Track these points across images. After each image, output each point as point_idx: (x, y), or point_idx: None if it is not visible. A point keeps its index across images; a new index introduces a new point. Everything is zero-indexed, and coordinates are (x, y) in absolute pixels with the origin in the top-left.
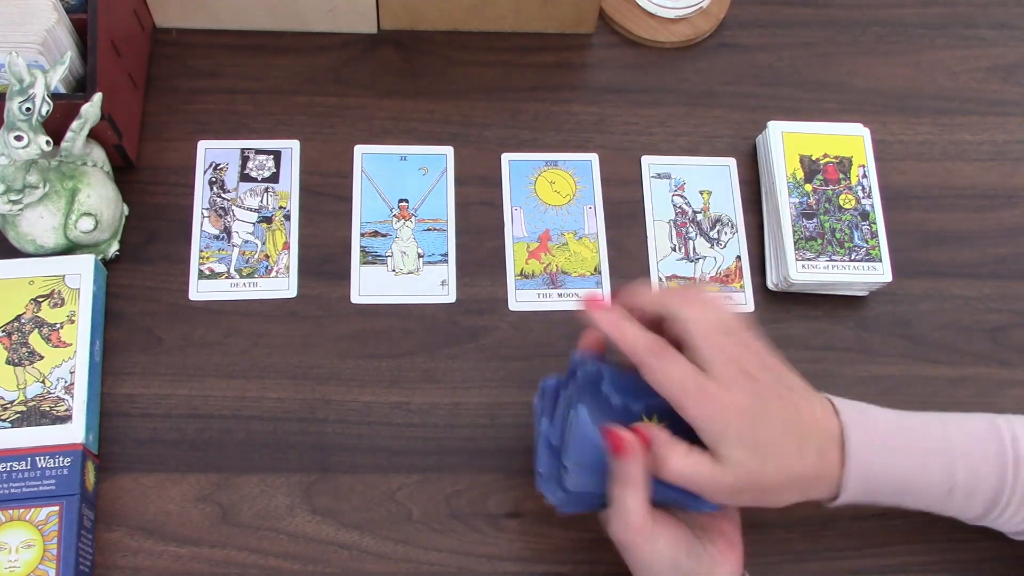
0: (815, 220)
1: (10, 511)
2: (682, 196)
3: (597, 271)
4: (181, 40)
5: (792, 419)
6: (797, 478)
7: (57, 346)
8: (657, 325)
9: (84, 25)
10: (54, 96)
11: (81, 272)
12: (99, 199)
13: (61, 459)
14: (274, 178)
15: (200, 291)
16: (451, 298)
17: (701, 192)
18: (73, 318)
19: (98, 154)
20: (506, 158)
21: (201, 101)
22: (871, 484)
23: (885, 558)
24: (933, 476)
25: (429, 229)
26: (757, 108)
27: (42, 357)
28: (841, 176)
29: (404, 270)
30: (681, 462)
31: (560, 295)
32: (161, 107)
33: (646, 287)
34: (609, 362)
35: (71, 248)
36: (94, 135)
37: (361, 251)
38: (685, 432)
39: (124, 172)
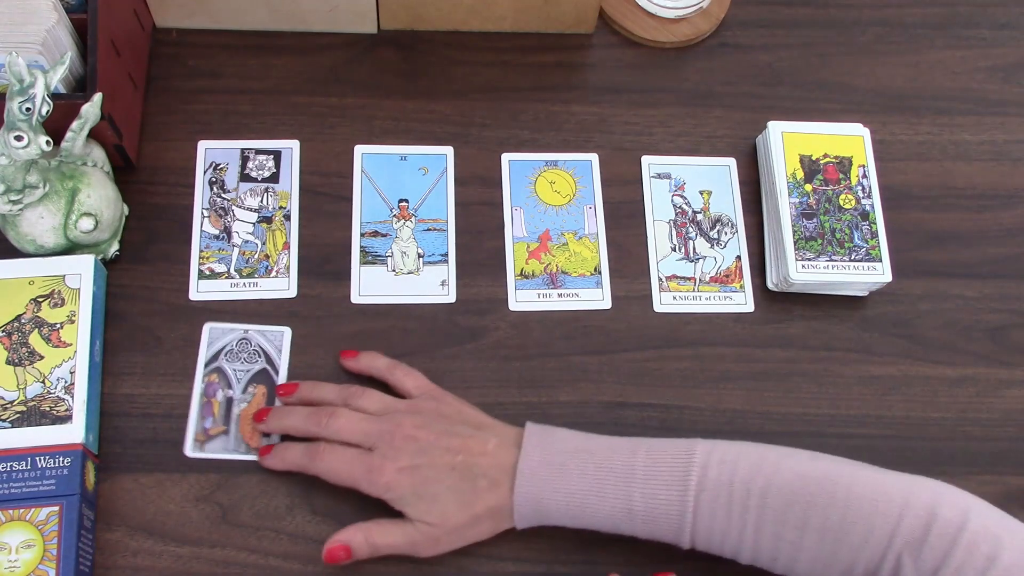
0: (815, 220)
1: (10, 511)
2: (682, 196)
3: (597, 271)
4: (181, 40)
5: (461, 463)
6: (480, 514)
7: (57, 346)
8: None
9: (84, 25)
10: (54, 96)
11: (81, 272)
12: (99, 199)
13: (61, 459)
14: (274, 178)
15: (200, 291)
16: (451, 298)
17: (701, 192)
18: (73, 318)
19: (98, 154)
20: (506, 158)
21: (201, 101)
22: (542, 507)
23: None
24: (607, 498)
25: (429, 229)
26: (757, 108)
27: (42, 357)
28: (841, 176)
29: (404, 270)
30: (382, 538)
31: (560, 295)
32: (161, 107)
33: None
34: None
35: (71, 248)
36: (94, 135)
37: (361, 251)
38: None
39: (124, 172)
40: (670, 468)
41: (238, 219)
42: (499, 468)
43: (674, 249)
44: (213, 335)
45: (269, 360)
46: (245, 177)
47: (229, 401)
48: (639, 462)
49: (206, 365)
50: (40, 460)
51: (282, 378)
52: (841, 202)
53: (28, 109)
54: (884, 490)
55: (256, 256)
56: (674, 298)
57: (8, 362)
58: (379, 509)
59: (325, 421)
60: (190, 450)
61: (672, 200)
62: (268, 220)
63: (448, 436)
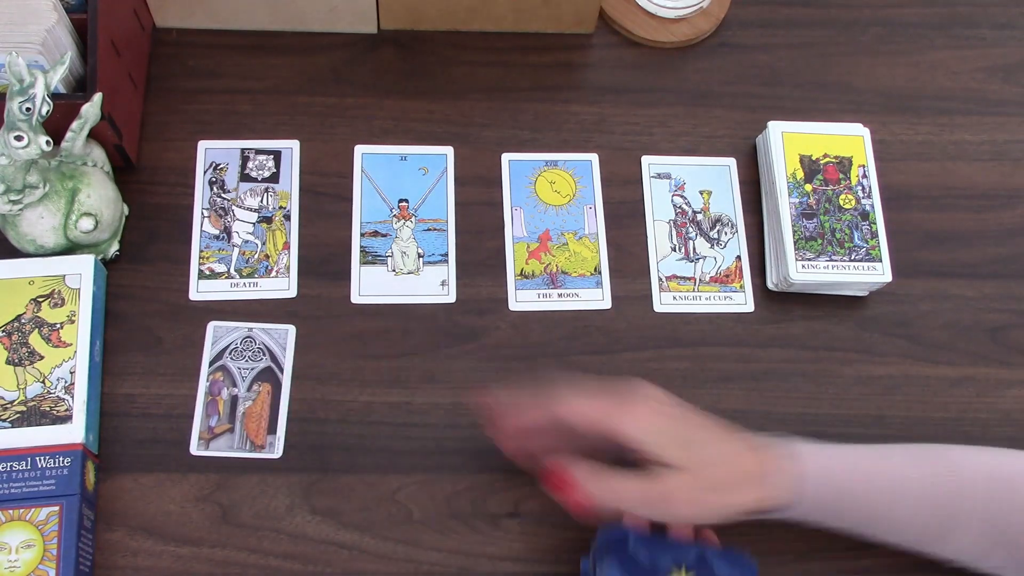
0: (815, 220)
1: (10, 511)
2: (682, 196)
3: (597, 271)
4: (181, 40)
5: (722, 426)
6: (750, 473)
7: (57, 346)
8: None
9: (84, 25)
10: (54, 96)
11: (81, 272)
12: (99, 199)
13: (61, 459)
14: (274, 178)
15: (200, 291)
16: (451, 298)
17: (701, 192)
18: (73, 318)
19: (98, 154)
20: (506, 158)
21: (201, 101)
22: (832, 468)
23: (885, 558)
24: (893, 460)
25: (429, 229)
26: (757, 108)
27: (42, 357)
28: (841, 176)
29: (404, 270)
30: (623, 488)
31: (560, 295)
32: (161, 107)
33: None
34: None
35: (71, 248)
36: (94, 135)
37: (361, 251)
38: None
39: (124, 172)
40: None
41: (238, 219)
42: (772, 441)
43: (674, 249)
44: (217, 333)
45: (273, 358)
46: (245, 177)
47: (234, 399)
48: (896, 449)
49: (210, 363)
50: (40, 460)
51: (287, 377)
52: (841, 202)
53: (28, 109)
54: None
55: (256, 256)
56: (674, 298)
57: (8, 362)
58: (381, 512)
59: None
60: (195, 448)
61: (672, 200)
62: (268, 220)
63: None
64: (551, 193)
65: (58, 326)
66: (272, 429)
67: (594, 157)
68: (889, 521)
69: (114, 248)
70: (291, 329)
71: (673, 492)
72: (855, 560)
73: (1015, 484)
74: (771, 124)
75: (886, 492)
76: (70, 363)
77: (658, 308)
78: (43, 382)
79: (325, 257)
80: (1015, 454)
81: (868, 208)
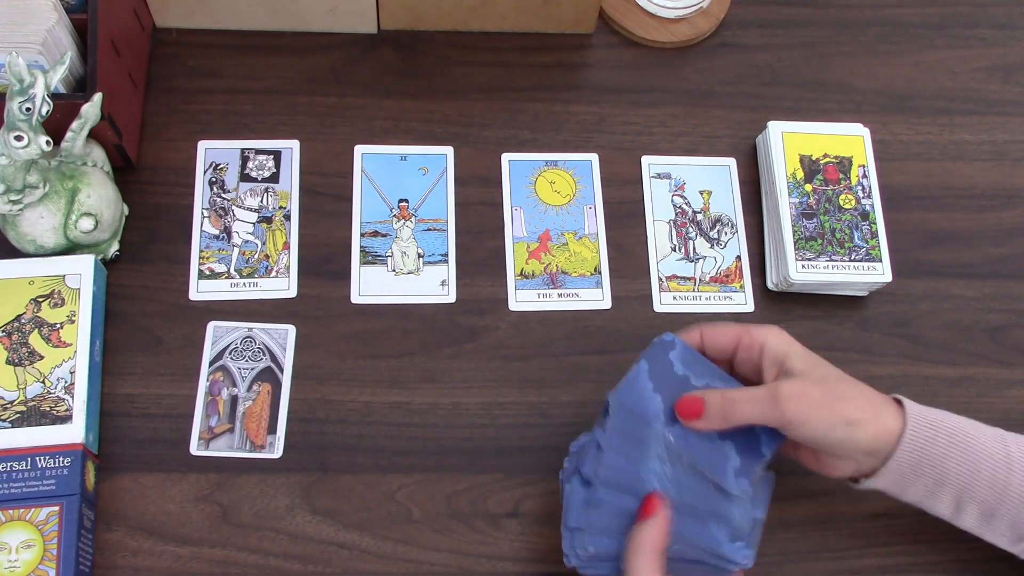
0: (815, 220)
1: (10, 511)
2: (682, 196)
3: (597, 271)
4: (181, 40)
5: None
6: (864, 396)
7: (57, 346)
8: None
9: (84, 25)
10: (54, 96)
11: (81, 272)
12: (99, 199)
13: (61, 459)
14: (274, 178)
15: (200, 291)
16: (451, 298)
17: (701, 192)
18: (73, 318)
19: (98, 154)
20: (506, 158)
21: (201, 101)
22: (932, 417)
23: (885, 558)
24: (987, 437)
25: (429, 229)
26: (757, 108)
27: (42, 357)
28: (841, 176)
29: (404, 270)
30: (747, 396)
31: (560, 295)
32: (161, 107)
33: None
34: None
35: (71, 248)
36: (94, 135)
37: (361, 251)
38: (746, 437)
39: (124, 172)
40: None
41: (238, 219)
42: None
43: (674, 249)
44: (217, 333)
45: (273, 358)
46: (245, 177)
47: (234, 399)
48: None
49: (210, 363)
50: (40, 460)
51: (287, 376)
52: (841, 202)
53: (28, 109)
54: None
55: (256, 256)
56: (674, 298)
57: (8, 362)
58: (381, 512)
59: None
60: (195, 448)
61: (672, 200)
62: (268, 220)
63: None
64: (551, 193)
65: (58, 326)
66: (272, 429)
67: (594, 157)
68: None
69: (114, 248)
70: (291, 329)
71: (790, 390)
72: (855, 560)
73: None
74: (771, 124)
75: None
76: (70, 363)
77: (658, 308)
78: (43, 382)
79: (325, 257)
80: None
81: (868, 208)
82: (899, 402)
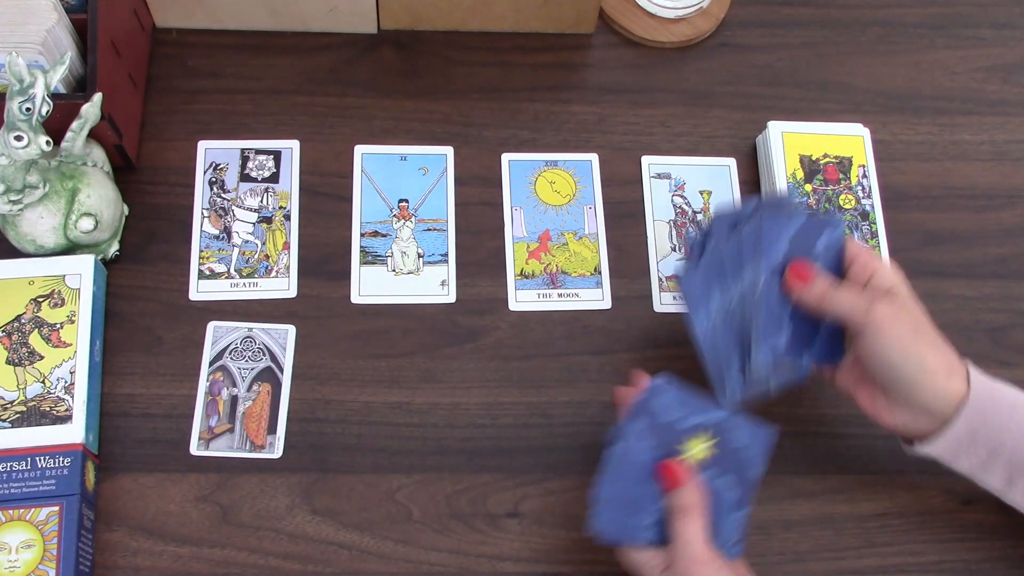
0: None
1: (10, 511)
2: (682, 196)
3: (597, 271)
4: (181, 40)
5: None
6: (946, 352)
7: (57, 346)
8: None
9: (84, 25)
10: (54, 96)
11: (81, 272)
12: (99, 199)
13: (61, 459)
14: (274, 178)
15: (200, 291)
16: (451, 298)
17: (701, 192)
18: (73, 318)
19: (98, 154)
20: (506, 158)
21: (201, 101)
22: (996, 388)
23: (885, 558)
24: None
25: (429, 229)
26: (757, 108)
27: (42, 357)
28: (841, 176)
29: (404, 270)
30: (851, 292)
31: (560, 295)
32: (161, 107)
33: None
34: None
35: (71, 248)
36: (94, 135)
37: (361, 251)
38: (742, 456)
39: (124, 172)
40: None
41: (238, 219)
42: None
43: (674, 249)
44: (217, 333)
45: (273, 358)
46: (245, 177)
47: (234, 399)
48: None
49: (210, 363)
50: (40, 460)
51: (287, 377)
52: (841, 202)
53: (28, 109)
54: None
55: (256, 256)
56: (674, 298)
57: (8, 362)
58: (381, 512)
59: None
60: (195, 448)
61: (672, 200)
62: (268, 220)
63: None
64: (551, 193)
65: (58, 326)
66: (272, 429)
67: (594, 157)
68: None
69: (114, 248)
70: (291, 329)
71: (887, 306)
72: (855, 560)
73: None
74: (771, 124)
75: None
76: (70, 363)
77: (658, 308)
78: (43, 382)
79: (325, 257)
80: None
81: (868, 208)
82: (963, 361)
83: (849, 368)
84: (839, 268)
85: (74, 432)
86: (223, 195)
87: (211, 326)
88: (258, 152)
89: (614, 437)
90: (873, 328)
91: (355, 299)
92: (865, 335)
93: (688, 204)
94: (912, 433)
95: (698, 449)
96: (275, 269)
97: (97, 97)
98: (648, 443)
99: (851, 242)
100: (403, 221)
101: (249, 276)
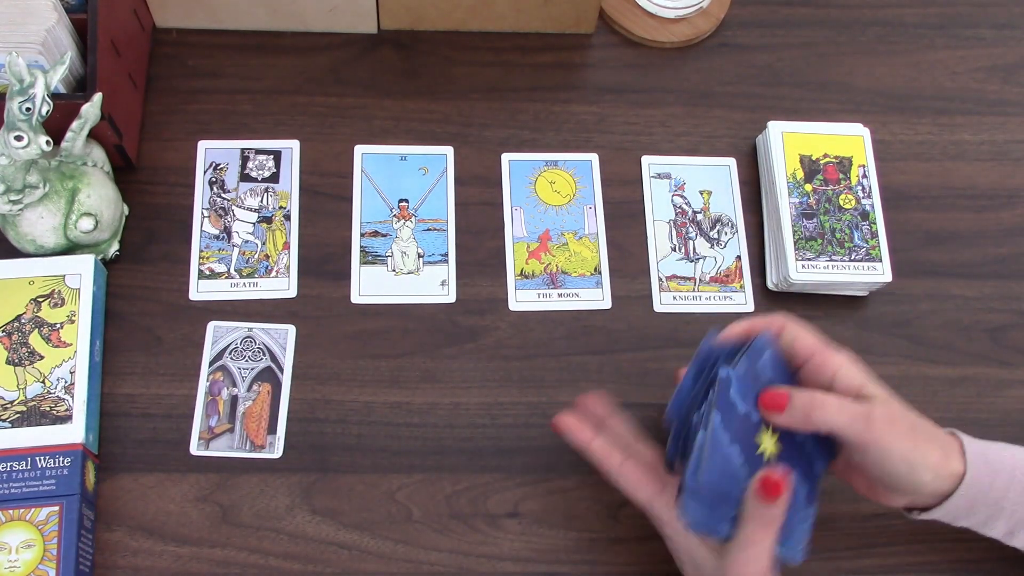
0: (815, 220)
1: (10, 511)
2: (682, 196)
3: (597, 271)
4: (181, 40)
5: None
6: (935, 434)
7: (57, 346)
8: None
9: (84, 25)
10: (54, 96)
11: (81, 272)
12: (99, 199)
13: (61, 459)
14: (274, 178)
15: (200, 291)
16: (451, 298)
17: (701, 192)
18: (73, 318)
19: (98, 154)
20: (506, 158)
21: (201, 101)
22: (991, 454)
23: (885, 558)
24: None
25: (429, 229)
26: (757, 108)
27: (42, 357)
28: (841, 176)
29: (404, 270)
30: (837, 404)
31: (560, 295)
32: (161, 107)
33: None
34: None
35: (71, 248)
36: (94, 135)
37: (361, 251)
38: (808, 448)
39: (124, 172)
40: None
41: (238, 219)
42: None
43: (674, 249)
44: (217, 333)
45: (273, 358)
46: (245, 177)
47: (234, 399)
48: None
49: (210, 363)
50: (40, 460)
51: (287, 376)
52: (841, 202)
53: (28, 109)
54: None
55: (256, 256)
56: (674, 298)
57: (8, 362)
58: (381, 512)
59: None
60: (195, 448)
61: (672, 200)
62: (268, 220)
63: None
64: (551, 193)
65: (58, 326)
66: (272, 429)
67: (594, 157)
68: None
69: (114, 248)
70: (291, 329)
71: (884, 413)
72: (855, 560)
73: None
74: (771, 124)
75: None
76: (70, 363)
77: (658, 308)
78: (43, 382)
79: (325, 257)
80: None
81: (868, 208)
82: (955, 436)
83: (843, 462)
84: (790, 375)
85: (74, 432)
86: (223, 195)
87: (211, 326)
88: (258, 152)
89: (699, 411)
90: (875, 445)
91: (355, 299)
92: (868, 451)
93: (688, 204)
94: (917, 507)
95: (770, 443)
96: (275, 269)
97: (97, 97)
98: (730, 434)
99: (800, 339)
100: (403, 221)
101: (249, 276)
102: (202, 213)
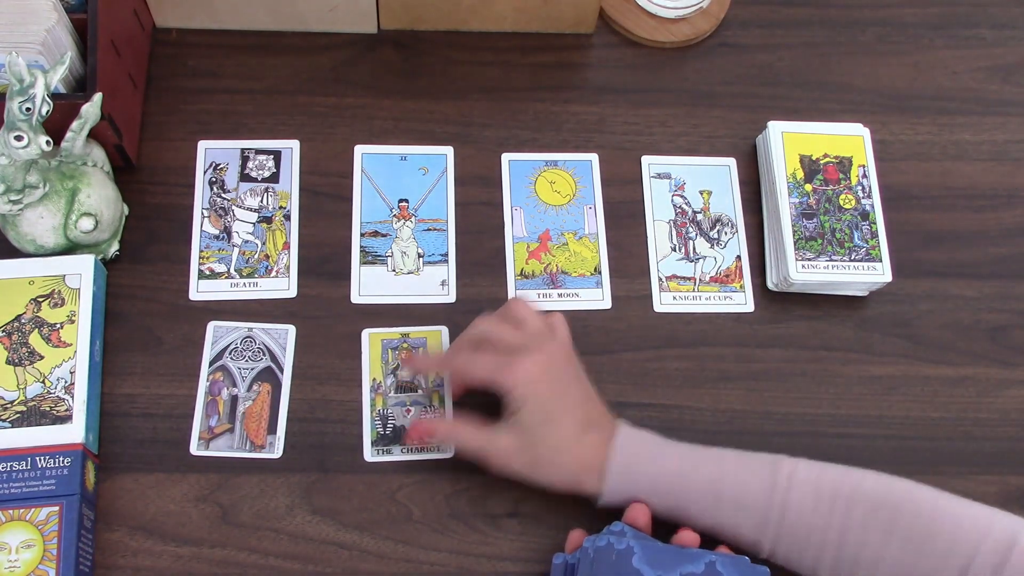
0: (815, 220)
1: (10, 511)
2: (682, 196)
3: (597, 271)
4: (181, 40)
5: (584, 400)
6: (572, 459)
7: (57, 346)
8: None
9: (84, 25)
10: (54, 96)
11: (81, 272)
12: (99, 199)
13: (61, 459)
14: (274, 178)
15: (200, 291)
16: (451, 298)
17: (701, 192)
18: (73, 318)
19: (98, 154)
20: (506, 158)
21: (201, 101)
22: (633, 474)
23: None
24: (698, 480)
25: (429, 229)
26: (757, 108)
27: (42, 357)
28: (841, 176)
29: (404, 270)
30: (471, 432)
31: (560, 295)
32: (161, 107)
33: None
34: (637, 535)
35: (71, 248)
36: (94, 135)
37: (361, 251)
38: None
39: (124, 172)
40: (760, 463)
41: (238, 219)
42: (607, 432)
43: (674, 249)
44: (217, 333)
45: (273, 358)
46: (245, 177)
47: (234, 399)
48: (729, 455)
49: (210, 363)
50: (40, 460)
51: (287, 377)
52: (841, 202)
53: (28, 109)
54: (968, 512)
55: (256, 256)
56: (674, 298)
57: (8, 362)
58: (381, 512)
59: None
60: (195, 448)
61: (672, 200)
62: (268, 220)
63: (580, 383)
64: (551, 193)
65: (58, 326)
66: (272, 429)
67: (594, 157)
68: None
69: (114, 248)
70: (291, 329)
71: (500, 445)
72: None
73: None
74: (771, 124)
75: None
76: (70, 363)
77: (658, 308)
78: (43, 382)
79: (325, 257)
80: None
81: (868, 208)
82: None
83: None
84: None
85: (74, 432)
86: (223, 195)
87: (211, 326)
88: (258, 152)
89: None
90: (488, 465)
91: (355, 299)
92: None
93: (688, 204)
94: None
95: None
96: (275, 269)
97: (97, 97)
98: None
99: (471, 374)
100: (403, 221)
101: (249, 276)
102: (202, 213)
